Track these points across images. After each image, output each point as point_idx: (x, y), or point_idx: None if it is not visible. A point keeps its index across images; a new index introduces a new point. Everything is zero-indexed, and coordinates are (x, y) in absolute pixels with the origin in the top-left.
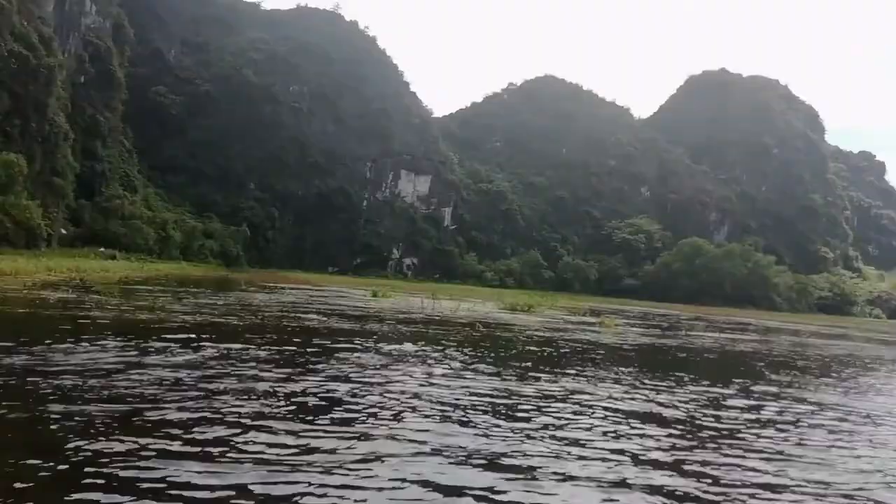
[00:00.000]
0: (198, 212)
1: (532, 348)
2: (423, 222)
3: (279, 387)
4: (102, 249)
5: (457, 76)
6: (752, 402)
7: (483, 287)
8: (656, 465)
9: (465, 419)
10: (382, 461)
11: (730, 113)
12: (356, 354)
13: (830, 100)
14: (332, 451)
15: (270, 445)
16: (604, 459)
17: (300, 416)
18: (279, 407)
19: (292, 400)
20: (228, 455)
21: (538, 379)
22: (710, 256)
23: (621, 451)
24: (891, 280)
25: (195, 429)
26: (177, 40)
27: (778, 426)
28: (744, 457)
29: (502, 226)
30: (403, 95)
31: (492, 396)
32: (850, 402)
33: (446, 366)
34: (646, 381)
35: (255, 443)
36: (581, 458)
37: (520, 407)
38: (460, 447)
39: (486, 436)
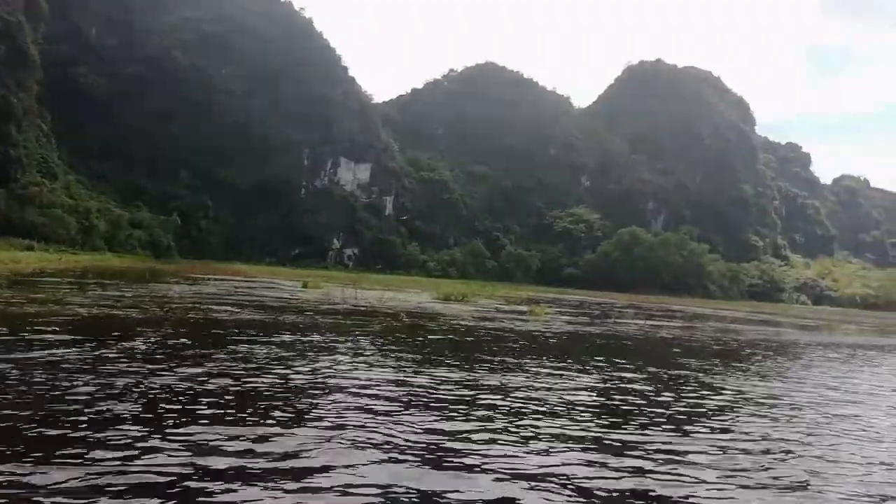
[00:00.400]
0: (125, 200)
1: (448, 337)
2: (364, 211)
3: (139, 383)
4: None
5: (395, 61)
6: (652, 389)
7: (426, 277)
8: (501, 467)
9: (333, 420)
10: (209, 480)
11: (666, 103)
12: (250, 347)
13: (760, 92)
14: (149, 470)
15: (80, 464)
16: (460, 468)
17: (144, 417)
18: (124, 407)
19: (145, 399)
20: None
21: (437, 367)
22: (647, 245)
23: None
24: (815, 267)
25: (12, 438)
26: (101, 18)
27: (667, 415)
28: (604, 451)
29: (445, 215)
30: (342, 80)
31: (378, 387)
32: (747, 386)
33: (345, 357)
34: (548, 369)
35: (62, 460)
36: (423, 463)
37: (400, 400)
38: (314, 463)
39: (353, 442)
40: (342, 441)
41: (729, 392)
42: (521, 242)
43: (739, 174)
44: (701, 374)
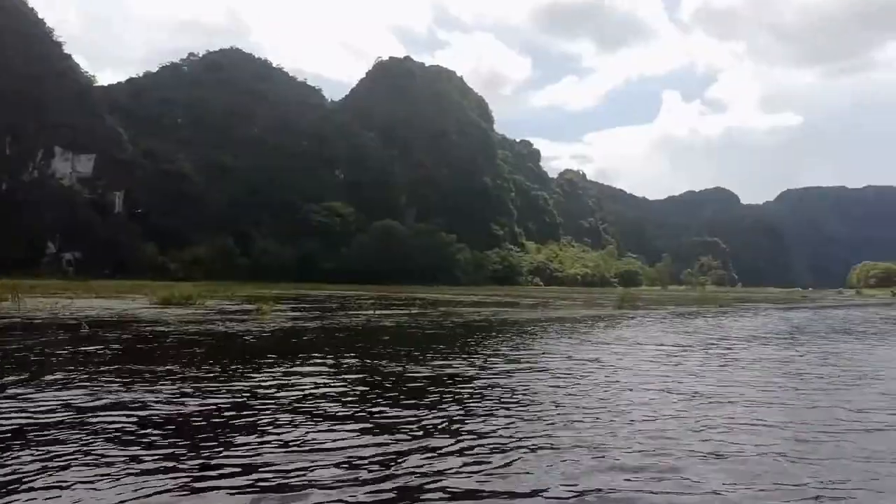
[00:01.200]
0: None
1: (113, 347)
2: (88, 209)
3: None
4: None
5: (123, 38)
6: (319, 381)
7: (164, 280)
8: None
9: None
10: None
11: (414, 100)
12: None
13: (496, 93)
14: None
15: None
16: None
17: None
18: None
19: None
20: None
21: (59, 387)
22: (400, 238)
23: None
24: (545, 252)
25: None
26: None
27: (321, 408)
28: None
29: (187, 211)
30: (54, 57)
31: None
32: (428, 367)
33: None
34: (214, 373)
35: None
36: None
37: None
38: None
39: None
40: None
41: (396, 374)
42: (276, 238)
43: (481, 169)
44: (388, 360)
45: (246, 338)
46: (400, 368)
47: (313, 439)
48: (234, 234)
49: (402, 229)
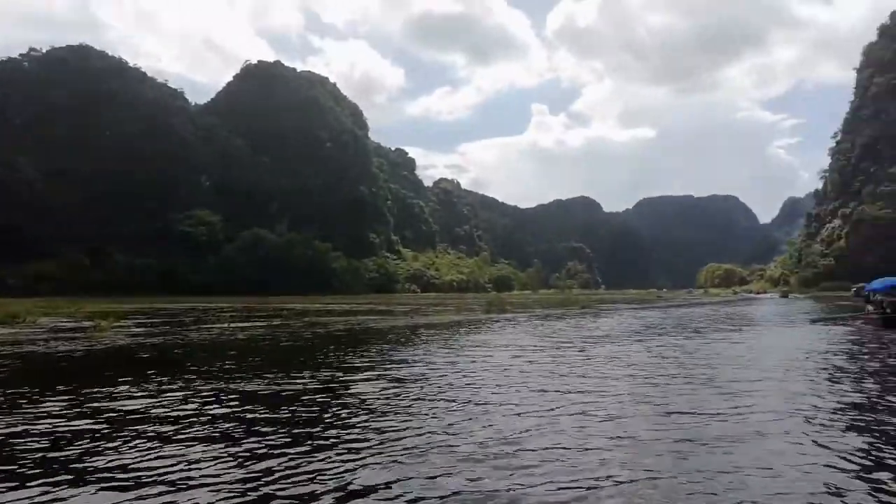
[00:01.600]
0: None
1: None
2: None
3: None
4: None
5: None
6: (126, 406)
7: (4, 298)
8: None
9: None
10: None
11: (287, 106)
12: None
13: (371, 101)
14: None
15: None
16: None
17: None
18: None
19: None
20: None
21: None
22: (272, 247)
23: None
24: (422, 259)
25: None
26: None
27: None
28: None
29: (31, 222)
30: None
31: None
32: (255, 387)
33: None
34: None
35: None
36: None
37: None
38: None
39: None
40: None
41: (223, 395)
42: (135, 249)
43: (357, 176)
44: (222, 378)
45: (65, 359)
46: (233, 387)
47: (87, 479)
48: (86, 246)
49: (273, 238)
